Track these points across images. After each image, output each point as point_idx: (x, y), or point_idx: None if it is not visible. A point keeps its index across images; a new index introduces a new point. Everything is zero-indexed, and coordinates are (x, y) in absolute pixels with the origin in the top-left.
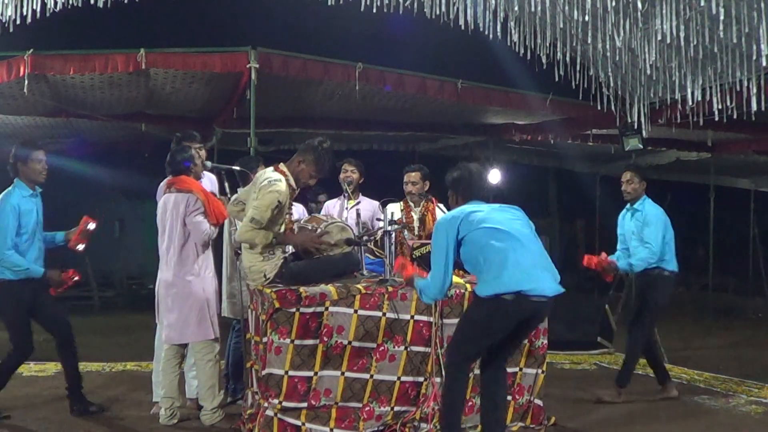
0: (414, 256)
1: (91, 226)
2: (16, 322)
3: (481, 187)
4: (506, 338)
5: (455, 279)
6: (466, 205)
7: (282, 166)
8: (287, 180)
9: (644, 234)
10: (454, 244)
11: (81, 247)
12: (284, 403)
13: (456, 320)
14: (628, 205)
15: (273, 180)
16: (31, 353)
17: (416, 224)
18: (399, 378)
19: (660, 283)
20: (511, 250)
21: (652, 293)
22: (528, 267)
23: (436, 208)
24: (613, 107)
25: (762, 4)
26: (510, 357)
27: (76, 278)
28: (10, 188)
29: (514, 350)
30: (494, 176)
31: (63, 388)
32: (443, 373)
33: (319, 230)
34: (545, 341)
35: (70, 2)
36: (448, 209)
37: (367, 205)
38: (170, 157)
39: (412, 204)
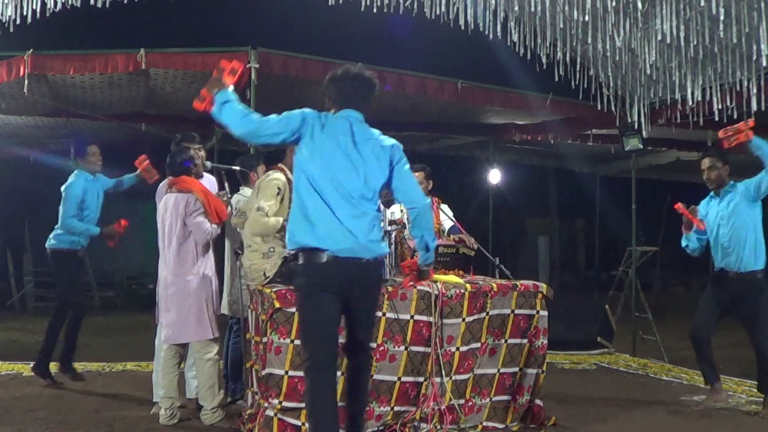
0: (414, 257)
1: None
2: (73, 284)
3: (357, 95)
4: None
5: (455, 279)
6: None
7: (280, 165)
8: (285, 174)
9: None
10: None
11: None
12: (284, 403)
13: (456, 320)
14: (711, 193)
15: (270, 173)
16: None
17: None
18: (399, 378)
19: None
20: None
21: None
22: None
23: (439, 209)
24: (613, 107)
25: (762, 4)
26: (363, 330)
27: (125, 224)
28: (74, 175)
29: (364, 320)
30: (494, 176)
31: (63, 388)
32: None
33: None
34: (545, 341)
35: (70, 2)
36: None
37: None
38: (170, 158)
39: None
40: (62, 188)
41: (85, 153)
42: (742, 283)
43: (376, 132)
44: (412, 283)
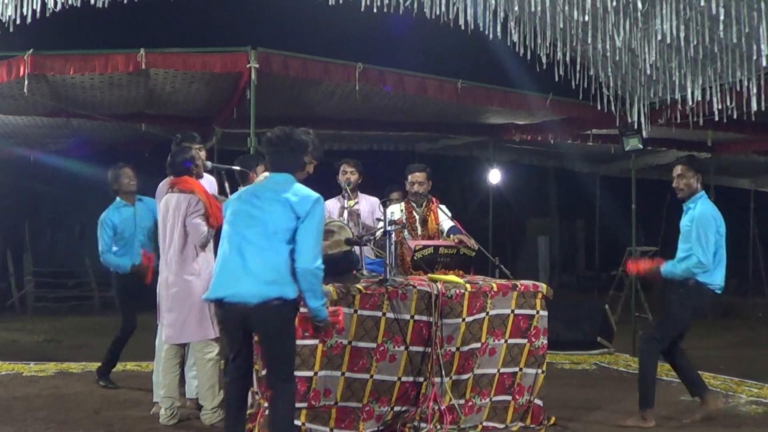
0: (415, 258)
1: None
2: (123, 303)
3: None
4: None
5: (455, 279)
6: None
7: None
8: None
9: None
10: None
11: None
12: None
13: (456, 320)
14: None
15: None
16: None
17: (418, 225)
18: (399, 378)
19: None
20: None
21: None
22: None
23: (439, 209)
24: (613, 107)
25: (762, 4)
26: (268, 366)
27: (151, 256)
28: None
29: (268, 358)
30: (494, 176)
31: (63, 388)
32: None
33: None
34: (545, 341)
35: (70, 2)
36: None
37: (366, 204)
38: (171, 158)
39: (414, 204)
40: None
41: (118, 177)
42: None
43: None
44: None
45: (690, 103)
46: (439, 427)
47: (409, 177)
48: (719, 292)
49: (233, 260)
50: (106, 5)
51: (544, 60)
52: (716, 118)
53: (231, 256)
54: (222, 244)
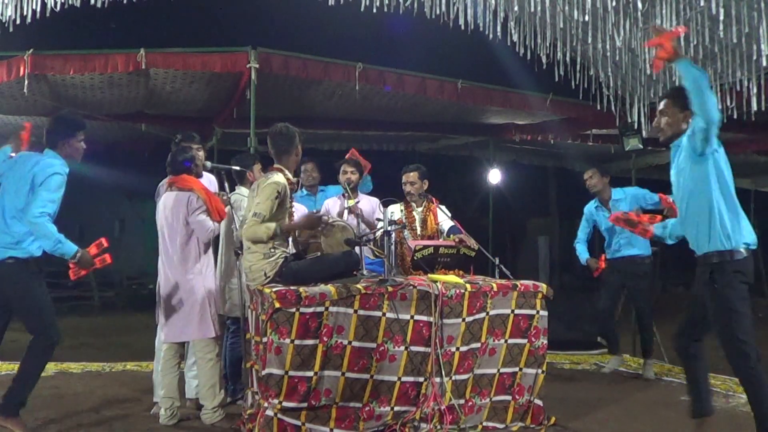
0: (415, 258)
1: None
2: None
3: None
4: None
5: (455, 279)
6: None
7: (278, 166)
8: (284, 174)
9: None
10: None
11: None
12: (284, 403)
13: (456, 320)
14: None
15: (269, 176)
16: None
17: (418, 224)
18: (399, 378)
19: None
20: None
21: None
22: None
23: (438, 209)
24: (613, 107)
25: (762, 4)
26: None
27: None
28: (49, 157)
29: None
30: (494, 176)
31: (63, 388)
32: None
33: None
34: (545, 341)
35: (70, 2)
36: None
37: (367, 204)
38: (171, 158)
39: (413, 204)
40: None
41: (73, 137)
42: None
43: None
44: None
45: None
46: (439, 427)
47: (403, 177)
48: (755, 247)
49: None
50: (106, 5)
51: (544, 60)
52: None
53: None
54: None
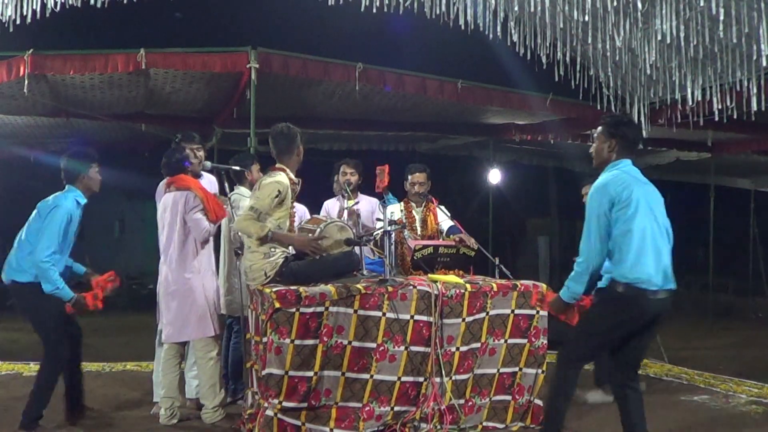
0: (415, 258)
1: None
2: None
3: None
4: None
5: (455, 279)
6: None
7: (280, 166)
8: (287, 174)
9: None
10: None
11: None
12: (284, 403)
13: (456, 320)
14: None
15: (272, 174)
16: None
17: (418, 225)
18: (399, 378)
19: None
20: None
21: None
22: None
23: (438, 209)
24: (613, 107)
25: (762, 4)
26: None
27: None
28: (63, 192)
29: None
30: (494, 176)
31: (63, 388)
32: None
33: (317, 232)
34: (545, 341)
35: (70, 2)
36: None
37: (366, 204)
38: (165, 158)
39: (413, 204)
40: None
41: (90, 168)
42: None
43: None
44: None
45: (690, 103)
46: (439, 427)
47: (410, 177)
48: (654, 292)
49: None
50: (106, 5)
51: (544, 60)
52: (716, 118)
53: None
54: None
